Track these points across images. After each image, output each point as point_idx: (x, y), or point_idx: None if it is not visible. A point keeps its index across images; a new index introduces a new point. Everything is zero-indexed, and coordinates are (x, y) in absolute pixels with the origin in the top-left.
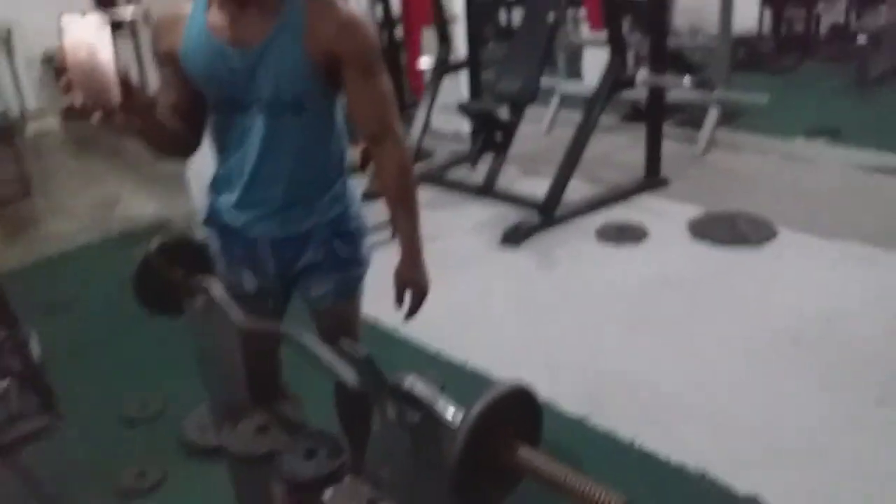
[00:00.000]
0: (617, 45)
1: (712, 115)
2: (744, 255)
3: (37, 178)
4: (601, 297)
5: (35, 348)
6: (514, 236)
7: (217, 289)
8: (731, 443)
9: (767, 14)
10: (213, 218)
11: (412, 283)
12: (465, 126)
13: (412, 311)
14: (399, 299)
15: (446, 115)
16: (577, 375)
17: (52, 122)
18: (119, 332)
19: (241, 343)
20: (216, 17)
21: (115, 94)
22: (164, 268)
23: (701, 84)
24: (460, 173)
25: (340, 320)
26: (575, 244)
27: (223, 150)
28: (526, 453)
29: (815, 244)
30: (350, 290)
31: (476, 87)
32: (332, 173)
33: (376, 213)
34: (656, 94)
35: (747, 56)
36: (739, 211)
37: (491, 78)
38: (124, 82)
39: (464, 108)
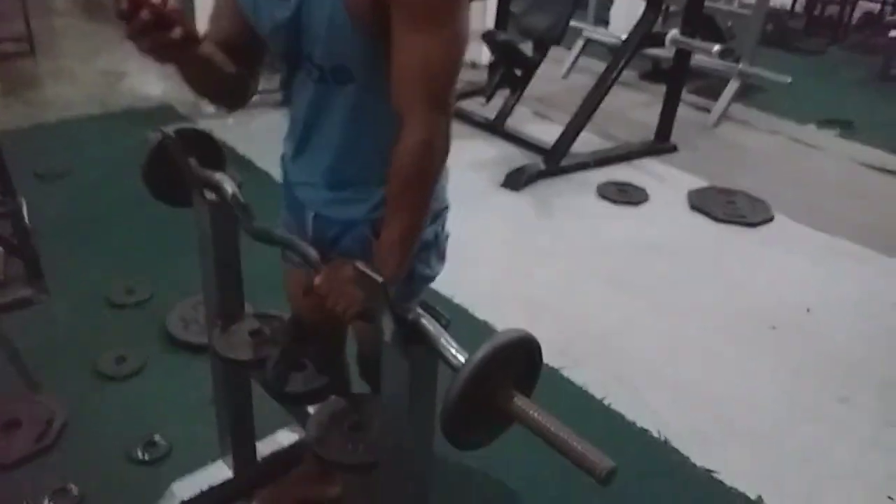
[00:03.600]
0: None
1: (731, 88)
2: (737, 233)
3: (42, 38)
4: (591, 253)
5: (24, 217)
6: (516, 180)
7: (229, 187)
8: (693, 414)
9: None
10: (282, 157)
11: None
12: (483, 56)
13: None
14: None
15: None
16: (557, 326)
17: None
18: (112, 211)
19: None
20: None
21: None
22: (180, 155)
23: (726, 54)
24: (472, 105)
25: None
26: (575, 197)
27: (286, 100)
28: (522, 403)
29: (809, 234)
30: None
31: (503, 18)
32: None
33: None
34: (682, 56)
35: (775, 32)
36: (740, 189)
37: (517, 10)
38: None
39: (488, 38)
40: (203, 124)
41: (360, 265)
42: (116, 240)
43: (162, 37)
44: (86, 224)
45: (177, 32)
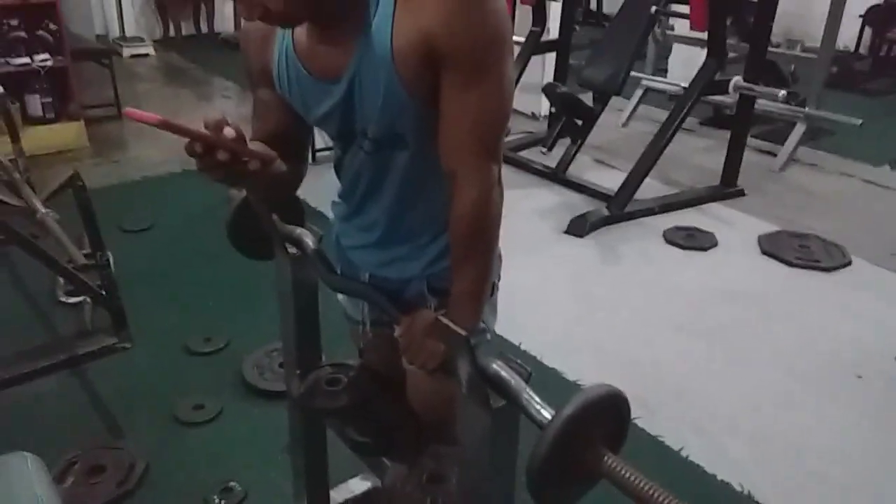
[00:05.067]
0: (716, 47)
1: (798, 131)
2: (813, 279)
3: (128, 102)
4: (661, 300)
5: (111, 269)
6: (579, 226)
7: (311, 241)
8: (777, 466)
9: (868, 32)
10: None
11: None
12: (543, 107)
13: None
14: (412, 354)
15: (526, 95)
16: (628, 374)
17: (147, 49)
18: (191, 263)
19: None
20: (301, 34)
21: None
22: (264, 212)
23: (791, 98)
24: (533, 154)
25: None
26: (640, 243)
27: (338, 170)
28: (613, 462)
29: (889, 279)
30: None
31: (563, 71)
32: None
33: None
34: (746, 102)
35: (840, 74)
36: (813, 232)
37: (577, 63)
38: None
39: (549, 91)
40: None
41: (442, 317)
42: (195, 290)
43: (239, 170)
44: (166, 275)
45: (254, 164)
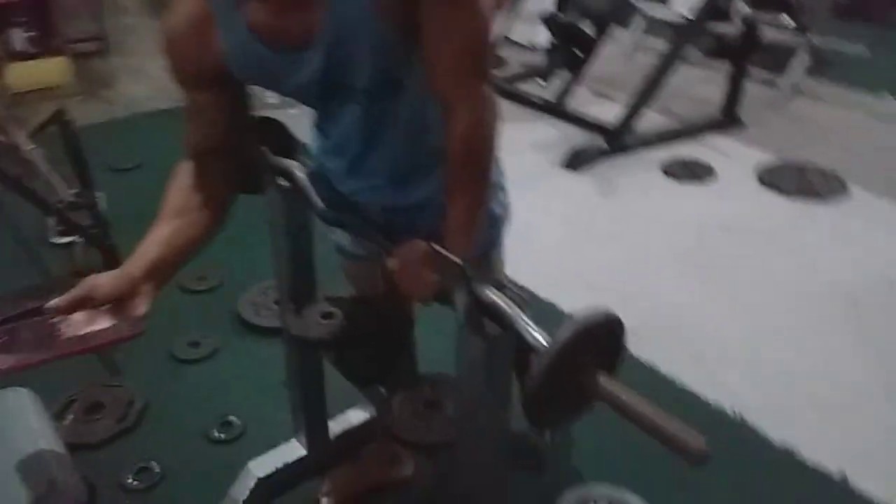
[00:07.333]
0: None
1: (801, 61)
2: (811, 209)
3: (115, 37)
4: (658, 232)
5: (102, 207)
6: (577, 160)
7: (301, 174)
8: (770, 391)
9: None
10: (319, 174)
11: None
12: (541, 38)
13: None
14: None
15: (524, 25)
16: (624, 305)
17: None
18: None
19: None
20: (257, 11)
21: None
22: (252, 144)
23: (795, 26)
24: (530, 87)
25: None
26: (638, 175)
27: (324, 131)
28: (608, 383)
29: (888, 208)
30: None
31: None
32: None
33: None
34: (750, 30)
35: (854, 2)
36: (812, 163)
37: None
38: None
39: (548, 19)
40: (264, 114)
41: (436, 246)
42: None
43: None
44: (156, 215)
45: (140, 310)
